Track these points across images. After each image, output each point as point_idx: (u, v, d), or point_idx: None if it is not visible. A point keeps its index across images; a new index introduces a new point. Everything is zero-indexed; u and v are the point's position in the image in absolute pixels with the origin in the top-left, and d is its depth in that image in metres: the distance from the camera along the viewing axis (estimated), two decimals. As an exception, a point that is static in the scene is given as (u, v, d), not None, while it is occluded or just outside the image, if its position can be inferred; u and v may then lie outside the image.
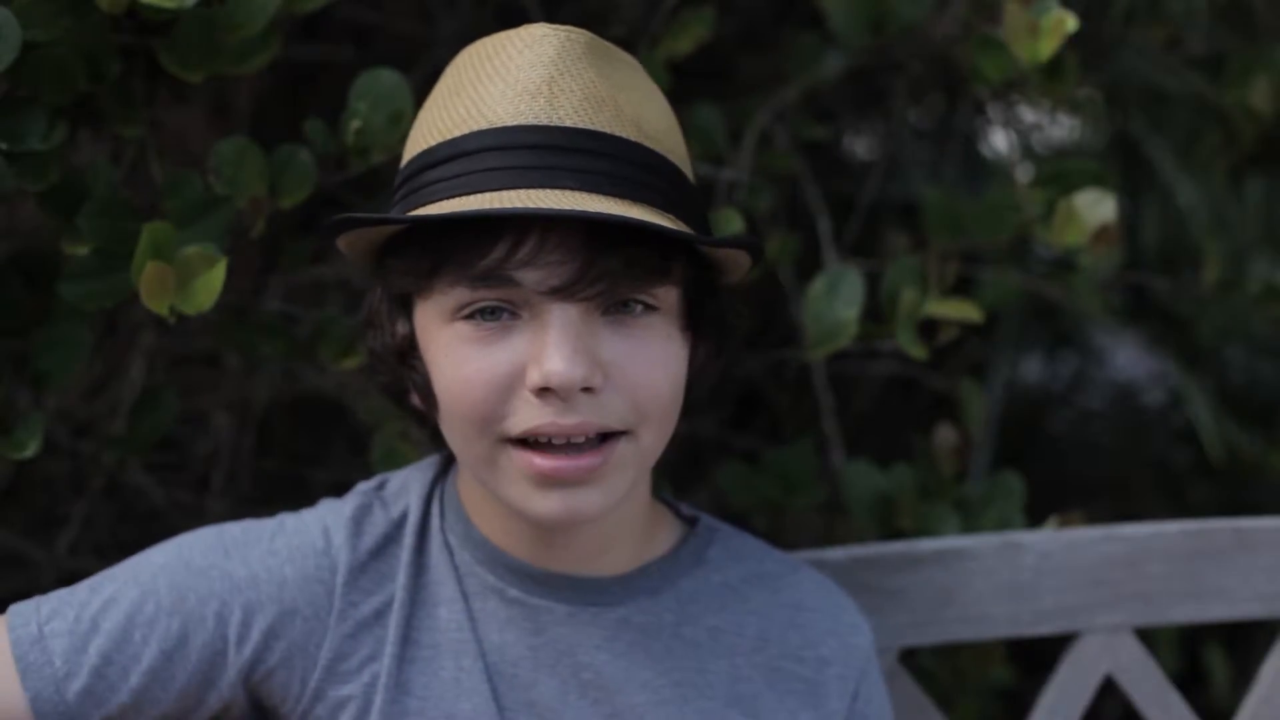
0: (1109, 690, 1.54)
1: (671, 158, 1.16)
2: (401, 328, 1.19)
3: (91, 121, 1.31)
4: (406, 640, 1.22)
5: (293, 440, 1.79)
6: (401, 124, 1.36)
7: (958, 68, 1.64)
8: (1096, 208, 1.52)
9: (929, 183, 2.04)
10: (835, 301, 1.52)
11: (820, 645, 1.26)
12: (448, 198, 1.11)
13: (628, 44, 1.62)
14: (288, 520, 1.25)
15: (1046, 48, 1.45)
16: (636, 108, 1.15)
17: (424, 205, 1.12)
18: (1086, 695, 1.51)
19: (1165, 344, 2.37)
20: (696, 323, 1.19)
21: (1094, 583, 1.50)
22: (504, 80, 1.12)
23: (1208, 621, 1.55)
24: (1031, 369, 2.69)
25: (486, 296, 1.11)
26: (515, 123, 1.11)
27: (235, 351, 1.65)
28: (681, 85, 1.61)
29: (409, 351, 1.19)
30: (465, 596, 1.23)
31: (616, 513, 1.19)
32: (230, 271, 1.24)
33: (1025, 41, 1.45)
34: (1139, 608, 1.51)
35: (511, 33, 1.15)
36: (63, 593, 1.21)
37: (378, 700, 1.20)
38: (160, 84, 1.34)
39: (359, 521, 1.25)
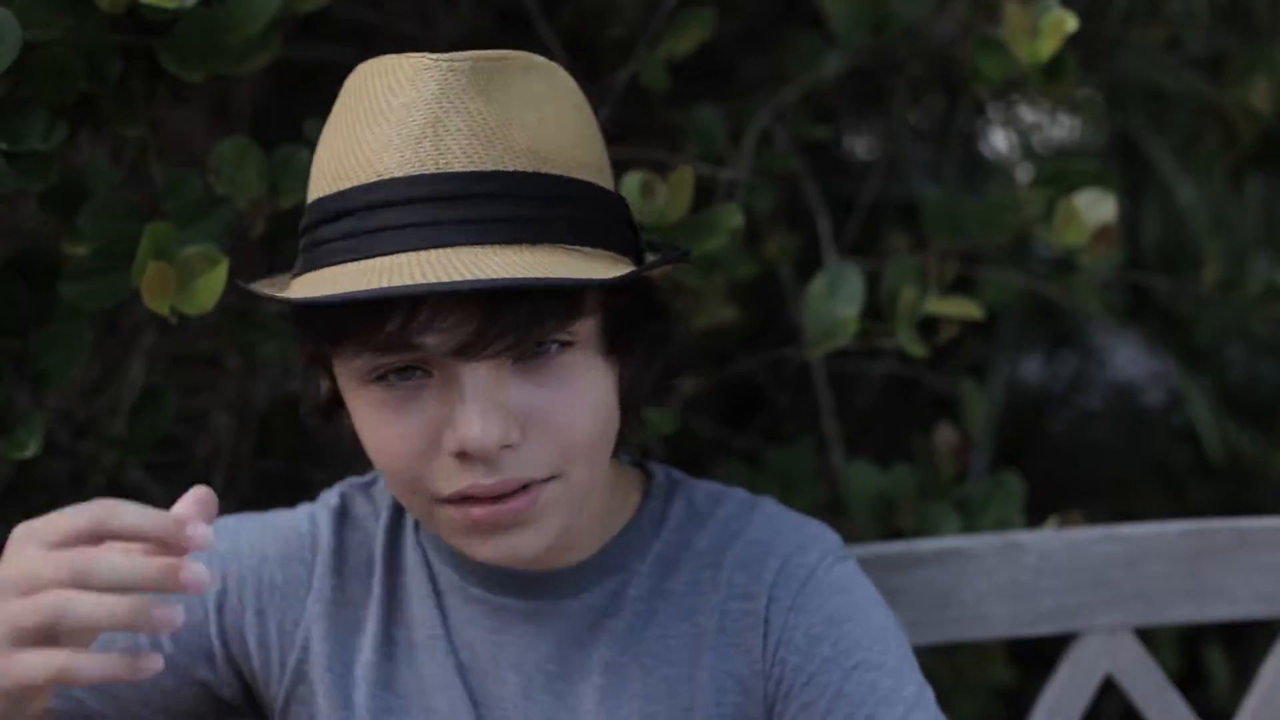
0: (1109, 690, 1.54)
1: (582, 173, 1.10)
2: (324, 383, 1.18)
3: (91, 121, 1.31)
4: (386, 636, 1.22)
5: (293, 440, 1.79)
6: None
7: (958, 68, 1.64)
8: (1096, 208, 1.52)
9: (929, 183, 2.04)
10: (835, 300, 1.52)
11: (764, 574, 1.20)
12: (340, 262, 1.06)
13: (628, 44, 1.63)
14: (279, 511, 1.27)
15: (1046, 48, 1.45)
16: (532, 131, 1.07)
17: (319, 267, 1.08)
18: (1086, 695, 1.51)
19: (1165, 344, 2.37)
20: (620, 342, 1.13)
21: (1094, 583, 1.50)
22: (388, 123, 1.06)
23: (1208, 621, 1.54)
24: (1031, 369, 2.69)
25: (393, 361, 1.08)
26: (402, 173, 1.05)
27: (235, 351, 1.65)
28: (681, 85, 1.61)
29: (333, 410, 1.17)
30: (437, 594, 1.23)
31: (570, 526, 1.17)
32: (231, 271, 1.24)
33: (1025, 41, 1.45)
34: (1139, 608, 1.51)
35: (394, 62, 1.09)
36: None
37: (360, 694, 1.21)
38: (160, 84, 1.34)
39: (344, 512, 1.26)
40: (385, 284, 1.02)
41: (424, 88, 1.06)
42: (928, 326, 1.55)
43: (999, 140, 2.39)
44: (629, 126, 1.73)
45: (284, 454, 1.77)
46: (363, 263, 1.05)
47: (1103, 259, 1.56)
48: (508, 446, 1.08)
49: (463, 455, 1.08)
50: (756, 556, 1.21)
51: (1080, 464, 2.57)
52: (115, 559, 0.97)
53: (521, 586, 1.21)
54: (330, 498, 1.28)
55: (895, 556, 1.47)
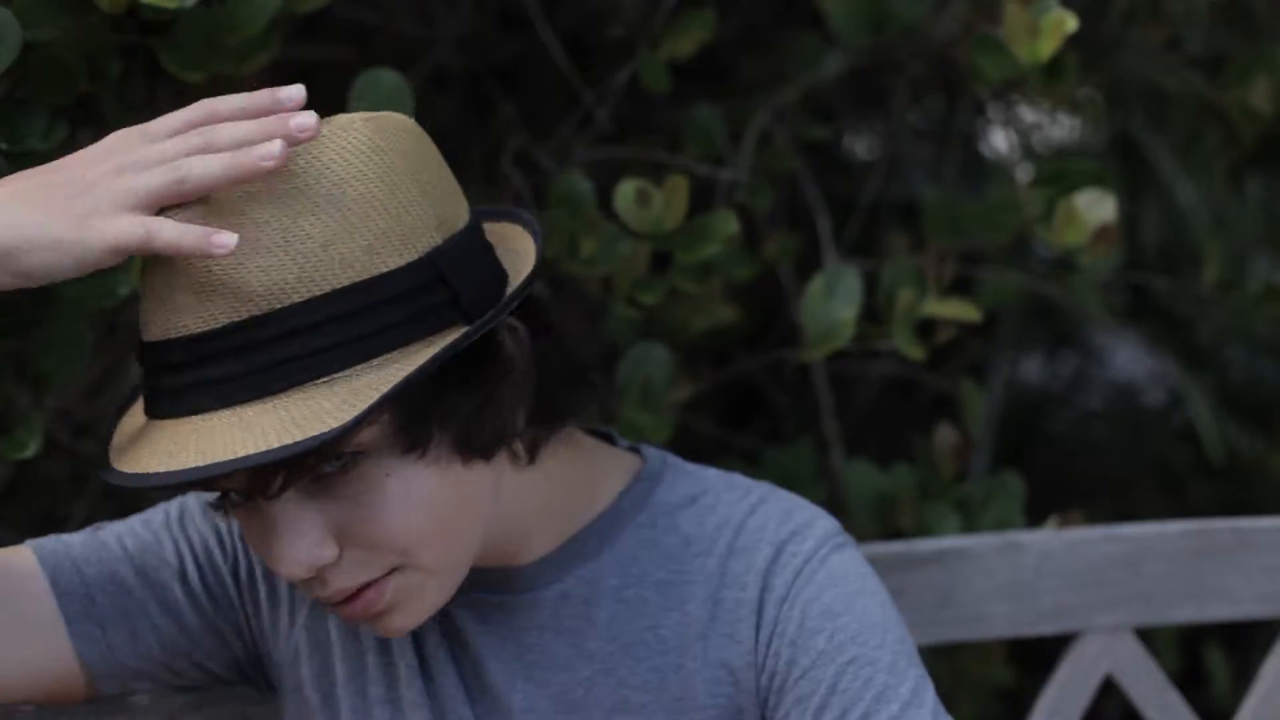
0: (1109, 690, 1.54)
1: (341, 276, 1.00)
2: None
3: (91, 121, 1.31)
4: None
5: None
6: (401, 124, 1.36)
7: (958, 68, 1.64)
8: (1096, 208, 1.52)
9: (929, 183, 2.05)
10: (833, 301, 1.52)
11: (757, 562, 1.17)
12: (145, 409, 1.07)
13: (628, 44, 1.63)
14: None
15: (1046, 48, 1.45)
16: (264, 264, 0.99)
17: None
18: (1086, 695, 1.51)
19: (1165, 344, 2.37)
20: (423, 433, 1.04)
21: (1094, 583, 1.50)
22: (145, 282, 1.04)
23: (1208, 621, 1.55)
24: (1031, 369, 2.69)
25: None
26: (156, 339, 1.02)
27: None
28: (681, 85, 1.61)
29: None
30: None
31: (515, 522, 1.15)
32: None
33: (1025, 41, 1.45)
34: (1139, 608, 1.51)
35: None
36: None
37: (376, 687, 1.20)
38: (160, 84, 1.34)
39: None
40: (135, 469, 1.02)
41: None
42: (927, 327, 1.55)
43: (999, 140, 2.39)
44: (629, 126, 1.73)
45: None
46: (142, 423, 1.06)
47: (1103, 259, 1.56)
48: (326, 566, 1.06)
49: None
50: (750, 544, 1.17)
51: (1080, 464, 2.57)
52: (233, 124, 1.01)
53: (491, 582, 1.18)
54: None
55: (895, 556, 1.47)
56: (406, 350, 1.01)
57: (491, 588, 1.19)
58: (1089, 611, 1.50)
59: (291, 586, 1.21)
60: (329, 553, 1.05)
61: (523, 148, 1.61)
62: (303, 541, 1.04)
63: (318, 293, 1.00)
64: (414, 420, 1.04)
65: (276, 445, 0.97)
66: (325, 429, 0.97)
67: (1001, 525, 1.60)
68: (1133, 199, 2.32)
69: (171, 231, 0.98)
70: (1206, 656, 2.33)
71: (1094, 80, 2.02)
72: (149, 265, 1.04)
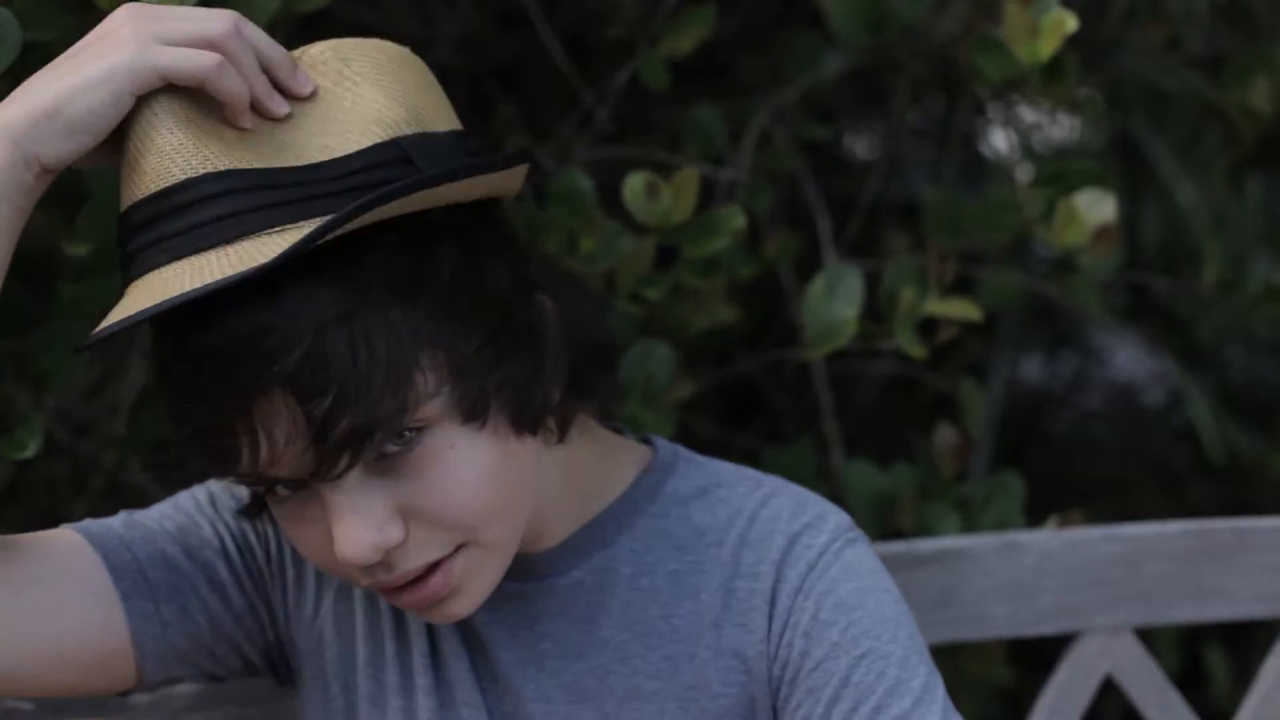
0: (1109, 690, 1.54)
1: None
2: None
3: (91, 121, 1.31)
4: (399, 611, 1.21)
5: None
6: (401, 124, 1.35)
7: (958, 68, 1.64)
8: (1096, 208, 1.52)
9: (929, 183, 2.05)
10: (834, 301, 1.52)
11: (771, 552, 1.17)
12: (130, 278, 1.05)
13: (628, 44, 1.63)
14: None
15: (1046, 48, 1.45)
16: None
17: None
18: (1086, 695, 1.51)
19: (1165, 344, 2.37)
20: (481, 402, 1.07)
21: (1094, 583, 1.50)
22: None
23: (1208, 621, 1.55)
24: (1031, 369, 2.70)
25: (266, 486, 1.08)
26: (123, 207, 1.05)
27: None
28: (681, 85, 1.61)
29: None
30: None
31: (535, 511, 1.16)
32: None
33: (1025, 41, 1.45)
34: (1139, 608, 1.51)
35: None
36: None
37: (393, 675, 1.21)
38: (160, 84, 1.33)
39: None
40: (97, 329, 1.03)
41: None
42: (927, 327, 1.55)
43: (999, 140, 2.39)
44: (629, 126, 1.73)
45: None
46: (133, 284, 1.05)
47: (1103, 259, 1.56)
48: (394, 547, 1.07)
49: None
50: (763, 535, 1.18)
51: (1080, 464, 2.57)
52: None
53: (510, 568, 1.18)
54: None
55: (895, 556, 1.46)
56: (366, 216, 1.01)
57: (508, 574, 1.18)
58: (1089, 611, 1.50)
59: (318, 574, 1.22)
60: (397, 533, 1.06)
61: (523, 147, 1.61)
62: (371, 522, 1.05)
63: (276, 165, 1.03)
64: (473, 389, 1.06)
65: (220, 278, 0.98)
66: (266, 259, 0.98)
67: (1001, 525, 1.60)
68: (1133, 199, 2.32)
69: (234, 79, 1.04)
70: (1206, 656, 2.33)
71: (1094, 80, 2.02)
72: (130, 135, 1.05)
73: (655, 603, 1.19)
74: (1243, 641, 2.29)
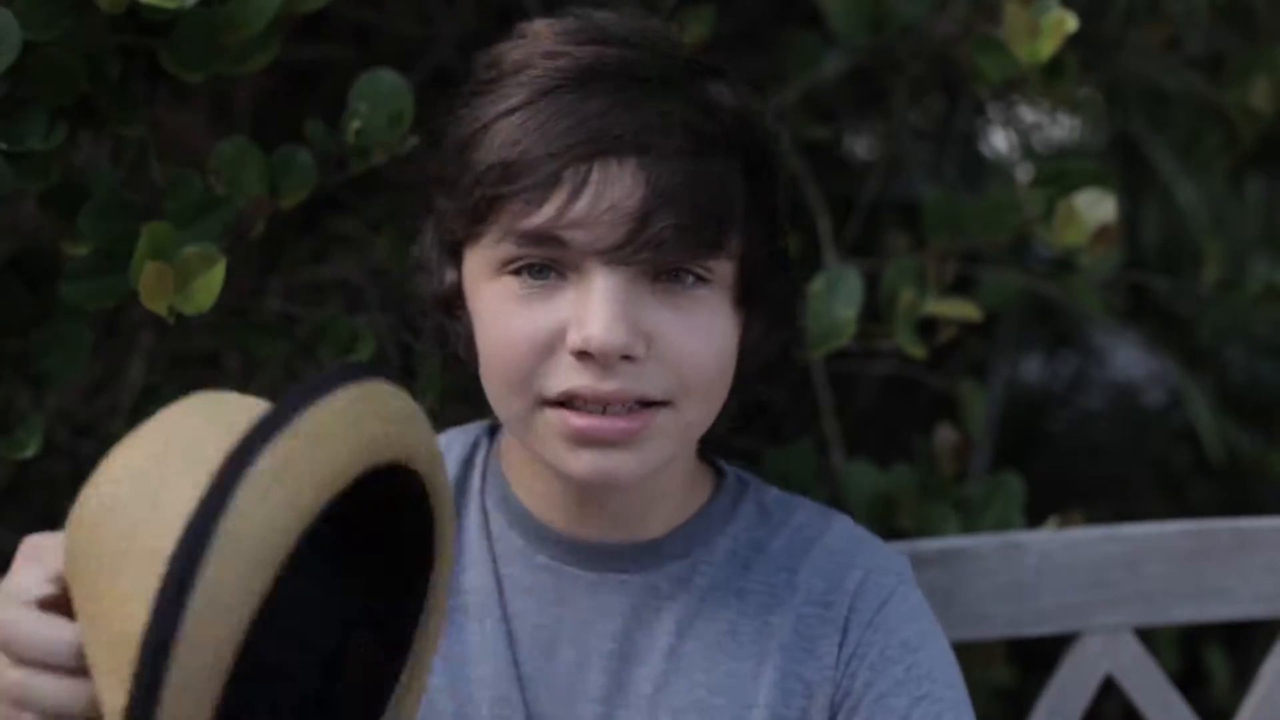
0: (1109, 690, 1.54)
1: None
2: (449, 275, 1.19)
3: (91, 121, 1.31)
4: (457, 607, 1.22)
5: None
6: (401, 124, 1.36)
7: (958, 68, 1.64)
8: (1096, 208, 1.52)
9: (929, 183, 2.04)
10: (834, 301, 1.52)
11: (845, 583, 1.23)
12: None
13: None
14: None
15: (1046, 48, 1.45)
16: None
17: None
18: (1086, 695, 1.51)
19: (1165, 344, 2.37)
20: (751, 298, 1.17)
21: (1094, 583, 1.50)
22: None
23: (1208, 621, 1.55)
24: (1031, 369, 2.69)
25: (534, 255, 1.11)
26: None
27: (235, 351, 1.65)
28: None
29: (455, 301, 1.19)
30: (494, 559, 1.23)
31: (655, 481, 1.19)
32: (230, 271, 1.24)
33: (1025, 41, 1.45)
34: (1139, 608, 1.51)
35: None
36: None
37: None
38: (160, 84, 1.34)
39: None
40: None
41: None
42: (927, 327, 1.55)
43: (999, 140, 2.39)
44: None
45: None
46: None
47: (1103, 259, 1.56)
48: (628, 358, 1.10)
49: (582, 356, 1.10)
50: (836, 566, 1.23)
51: (1080, 464, 2.57)
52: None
53: (590, 557, 1.21)
54: None
55: (895, 556, 1.47)
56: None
57: (589, 561, 1.21)
58: (1089, 611, 1.50)
59: None
60: (642, 345, 1.10)
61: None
62: (625, 321, 1.09)
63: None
64: (753, 282, 1.16)
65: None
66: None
67: (1001, 525, 1.60)
68: (1133, 199, 2.32)
69: None
70: (1206, 656, 2.33)
71: (1094, 80, 2.02)
72: None
73: (722, 619, 1.21)
74: (1243, 641, 2.29)
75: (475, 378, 1.20)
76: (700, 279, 1.12)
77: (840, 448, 1.74)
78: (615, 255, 1.09)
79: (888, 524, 1.62)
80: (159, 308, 1.22)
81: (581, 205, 1.08)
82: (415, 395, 1.44)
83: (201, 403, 0.96)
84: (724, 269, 1.14)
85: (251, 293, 1.55)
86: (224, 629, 0.86)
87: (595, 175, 1.08)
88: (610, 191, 1.08)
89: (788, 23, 1.82)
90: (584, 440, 1.12)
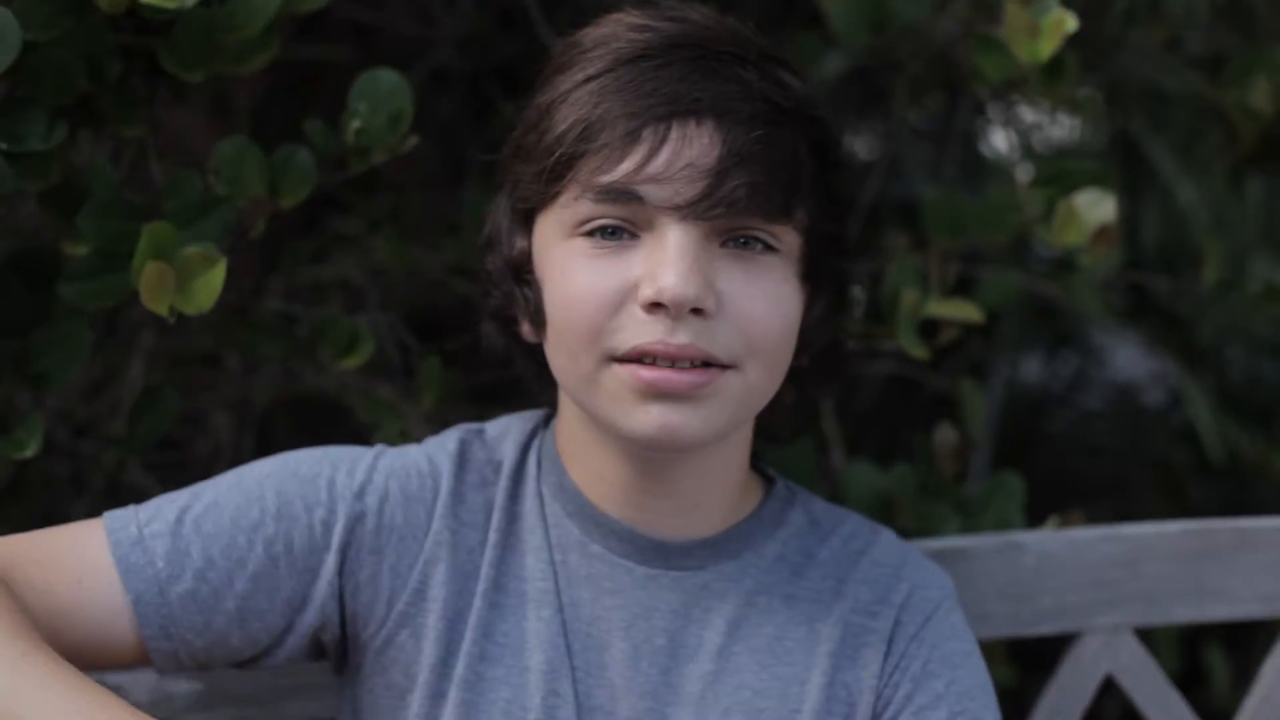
0: (1109, 690, 1.54)
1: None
2: (520, 242, 1.22)
3: (91, 121, 1.31)
4: (496, 585, 1.22)
5: (293, 440, 1.79)
6: (401, 124, 1.36)
7: (958, 68, 1.64)
8: (1096, 208, 1.52)
9: (929, 183, 2.04)
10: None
11: (892, 595, 1.25)
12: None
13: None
14: (388, 448, 1.27)
15: (1046, 48, 1.45)
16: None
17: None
18: (1086, 695, 1.51)
19: (1165, 344, 2.37)
20: (815, 274, 1.20)
21: (1094, 583, 1.50)
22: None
23: (1208, 621, 1.55)
24: (1031, 369, 2.70)
25: (609, 213, 1.14)
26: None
27: (235, 351, 1.65)
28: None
29: (524, 267, 1.21)
30: (551, 548, 1.23)
31: (710, 461, 1.21)
32: (230, 271, 1.24)
33: (1025, 41, 1.45)
34: (1139, 608, 1.51)
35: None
36: (161, 498, 1.22)
37: (465, 641, 1.20)
38: (160, 84, 1.34)
39: (463, 455, 1.26)
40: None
41: None
42: (928, 327, 1.55)
43: (999, 140, 2.39)
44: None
45: (284, 454, 1.76)
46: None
47: (1103, 259, 1.56)
48: (698, 312, 1.12)
49: (654, 309, 1.12)
50: (884, 577, 1.26)
51: (1080, 464, 2.57)
52: None
53: (645, 550, 1.22)
54: (448, 441, 1.27)
55: (895, 556, 1.46)
56: None
57: (644, 554, 1.22)
58: (1089, 611, 1.50)
59: (394, 578, 1.21)
60: (713, 301, 1.13)
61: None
62: (698, 274, 1.12)
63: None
64: (819, 256, 1.19)
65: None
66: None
67: (1001, 525, 1.60)
68: (1133, 199, 2.32)
69: None
70: (1206, 656, 2.33)
71: (1094, 80, 2.02)
72: None
73: (771, 623, 1.23)
74: (1243, 641, 2.29)
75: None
76: (769, 247, 1.16)
77: (840, 448, 1.74)
78: (690, 210, 1.12)
79: (888, 524, 1.61)
80: (160, 308, 1.21)
81: (660, 161, 1.12)
82: (414, 395, 1.45)
83: None
84: (791, 240, 1.17)
85: (251, 293, 1.55)
86: None
87: (674, 134, 1.12)
88: (688, 150, 1.12)
89: (788, 23, 1.82)
90: (653, 393, 1.13)
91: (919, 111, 2.27)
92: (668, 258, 1.12)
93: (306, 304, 1.57)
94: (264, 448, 1.73)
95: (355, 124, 1.36)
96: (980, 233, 1.61)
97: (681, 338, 1.12)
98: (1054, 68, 1.49)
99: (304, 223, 1.69)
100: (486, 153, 1.31)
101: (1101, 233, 1.51)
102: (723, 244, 1.15)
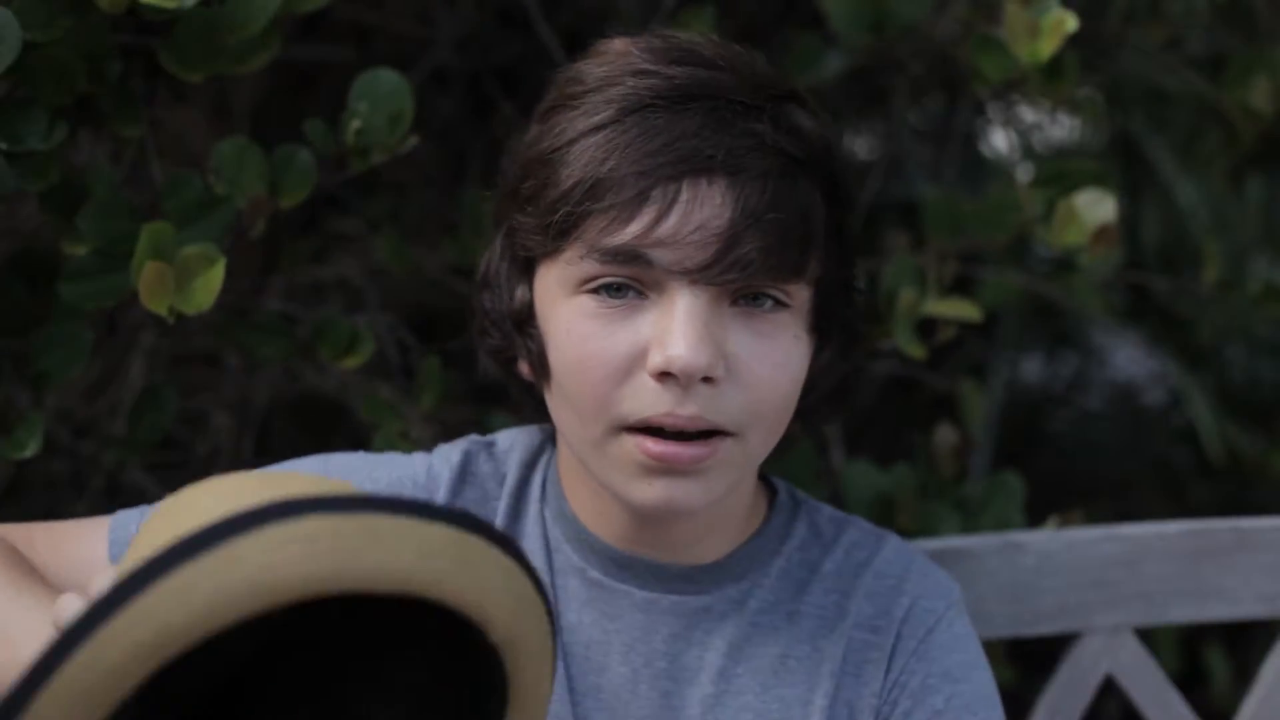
0: (1109, 690, 1.54)
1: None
2: (521, 294, 1.18)
3: (91, 121, 1.31)
4: None
5: (293, 440, 1.79)
6: (401, 124, 1.36)
7: (958, 68, 1.64)
8: (1096, 208, 1.51)
9: (929, 183, 2.04)
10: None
11: (894, 610, 1.23)
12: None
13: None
14: (396, 456, 1.26)
15: (1046, 48, 1.45)
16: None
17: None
18: (1086, 695, 1.51)
19: (1165, 344, 2.37)
20: (824, 324, 1.18)
21: (1094, 583, 1.50)
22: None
23: (1208, 621, 1.54)
24: (1031, 369, 2.70)
25: (615, 273, 1.10)
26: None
27: (235, 351, 1.65)
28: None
29: (526, 319, 1.18)
30: (551, 571, 1.22)
31: (714, 512, 1.19)
32: (230, 271, 1.24)
33: (1025, 41, 1.45)
34: (1139, 608, 1.51)
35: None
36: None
37: None
38: (160, 84, 1.34)
39: (465, 469, 1.25)
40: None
41: None
42: (927, 327, 1.55)
43: (999, 140, 2.39)
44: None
45: (284, 454, 1.76)
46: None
47: (1103, 259, 1.56)
48: (707, 380, 1.09)
49: (663, 378, 1.09)
50: (887, 591, 1.24)
51: (1080, 464, 2.57)
52: None
53: (644, 575, 1.21)
54: (452, 453, 1.26)
55: (895, 556, 1.46)
56: None
57: (643, 580, 1.20)
58: (1089, 611, 1.50)
59: None
60: (721, 369, 1.10)
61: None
62: (708, 341, 1.09)
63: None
64: (825, 305, 1.16)
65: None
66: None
67: (1001, 525, 1.60)
68: (1133, 199, 2.32)
69: None
70: (1206, 656, 2.33)
71: (1094, 80, 2.02)
72: None
73: (775, 642, 1.21)
74: (1243, 641, 2.29)
75: (528, 390, 1.20)
76: (779, 303, 1.12)
77: (840, 448, 1.74)
78: (701, 276, 1.08)
79: (888, 524, 1.61)
80: (159, 308, 1.22)
81: (669, 224, 1.08)
82: (414, 395, 1.45)
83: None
84: (802, 294, 1.14)
85: (251, 293, 1.55)
86: None
87: (684, 194, 1.08)
88: (698, 212, 1.08)
89: (788, 23, 1.82)
90: (658, 468, 1.11)
91: (919, 111, 2.27)
92: (677, 325, 1.08)
93: (306, 304, 1.57)
94: (264, 448, 1.73)
95: (355, 124, 1.36)
96: (980, 233, 1.61)
97: (690, 409, 1.09)
98: (1054, 68, 1.49)
99: (304, 223, 1.69)
100: (487, 153, 1.31)
101: (1101, 233, 1.51)
102: (732, 302, 1.11)
